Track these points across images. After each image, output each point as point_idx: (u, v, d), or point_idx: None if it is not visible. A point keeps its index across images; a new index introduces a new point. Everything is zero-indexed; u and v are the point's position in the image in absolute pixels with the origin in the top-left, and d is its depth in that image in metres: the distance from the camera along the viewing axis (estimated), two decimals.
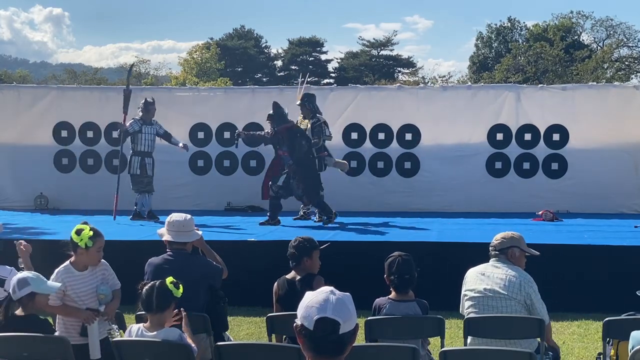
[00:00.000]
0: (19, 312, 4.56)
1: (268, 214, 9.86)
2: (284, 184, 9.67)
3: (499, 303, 4.71)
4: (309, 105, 9.99)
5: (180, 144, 10.53)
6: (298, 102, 10.06)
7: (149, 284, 4.32)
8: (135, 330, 4.28)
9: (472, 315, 4.76)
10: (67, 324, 4.76)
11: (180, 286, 4.31)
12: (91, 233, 4.69)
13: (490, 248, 4.93)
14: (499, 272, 4.79)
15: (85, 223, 4.78)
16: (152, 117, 10.39)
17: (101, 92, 12.92)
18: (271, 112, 9.69)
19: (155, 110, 10.42)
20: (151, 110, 10.36)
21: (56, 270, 4.75)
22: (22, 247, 5.25)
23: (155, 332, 4.20)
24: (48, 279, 4.68)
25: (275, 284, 5.19)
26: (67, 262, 4.77)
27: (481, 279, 4.80)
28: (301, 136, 9.65)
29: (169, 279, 4.32)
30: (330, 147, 10.46)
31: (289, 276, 5.16)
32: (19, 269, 5.16)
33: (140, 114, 10.33)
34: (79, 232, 4.69)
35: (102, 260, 4.90)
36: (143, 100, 10.46)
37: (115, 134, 12.05)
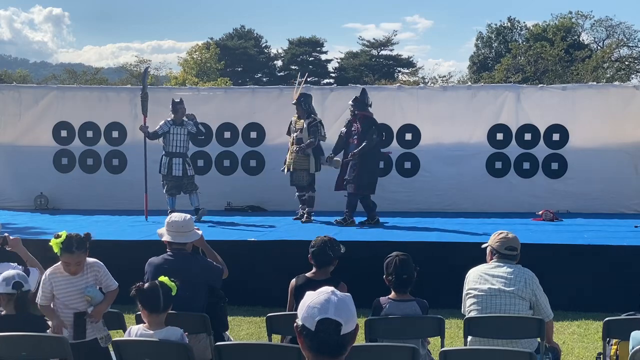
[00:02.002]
0: (9, 310, 4.55)
1: (346, 210, 9.81)
2: (349, 176, 9.64)
3: (504, 301, 4.70)
4: (304, 105, 10.00)
5: (194, 125, 10.44)
6: (294, 101, 10.08)
7: (149, 285, 4.31)
8: (135, 331, 4.28)
9: (474, 314, 4.75)
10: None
11: (175, 285, 4.34)
12: (61, 245, 4.66)
13: (497, 248, 4.87)
14: (502, 271, 4.78)
15: (88, 235, 4.74)
16: (182, 117, 10.34)
17: (101, 92, 12.91)
18: (358, 95, 9.81)
19: (185, 109, 10.37)
20: (179, 109, 10.32)
21: (47, 271, 4.77)
22: (11, 239, 5.23)
23: (156, 331, 4.20)
24: None
25: (294, 280, 5.08)
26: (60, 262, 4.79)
27: (485, 279, 4.79)
28: (376, 129, 9.69)
29: (165, 278, 4.33)
30: (330, 147, 10.45)
31: (309, 275, 5.05)
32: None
33: (172, 115, 10.33)
34: (56, 237, 4.69)
35: (95, 260, 4.87)
36: (171, 101, 10.44)
37: (115, 134, 12.09)
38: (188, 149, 10.47)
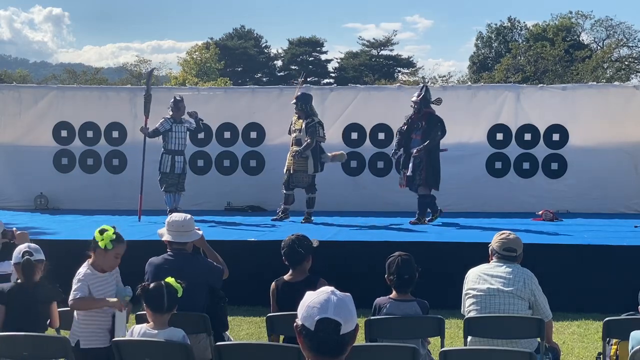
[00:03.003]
0: (21, 279, 4.80)
1: (417, 212, 9.93)
2: (413, 173, 9.70)
3: (503, 301, 4.70)
4: (301, 105, 9.98)
5: (193, 121, 10.50)
6: (293, 101, 10.09)
7: (155, 285, 4.32)
8: (139, 330, 4.29)
9: (474, 314, 4.75)
10: (94, 327, 4.72)
11: (180, 286, 4.35)
12: (114, 236, 4.70)
13: (496, 249, 4.88)
14: (501, 271, 4.79)
15: (113, 227, 4.81)
16: (183, 115, 10.41)
17: (101, 92, 12.91)
18: (423, 93, 9.86)
19: (185, 107, 10.43)
20: (181, 107, 10.38)
21: (80, 271, 4.72)
22: (18, 233, 5.39)
23: (159, 331, 4.21)
24: (52, 278, 4.87)
25: (274, 284, 5.06)
26: (87, 263, 4.76)
27: (484, 279, 4.80)
28: (441, 125, 9.75)
29: (172, 279, 4.34)
30: (330, 147, 10.46)
31: (287, 278, 4.99)
32: None
33: (171, 112, 10.37)
34: (102, 232, 4.71)
35: None
36: (172, 99, 10.49)
37: (115, 134, 12.09)
38: (186, 146, 10.53)
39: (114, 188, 11.95)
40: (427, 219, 9.99)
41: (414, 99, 9.90)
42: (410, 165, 9.72)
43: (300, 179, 10.00)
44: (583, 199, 11.24)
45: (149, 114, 10.36)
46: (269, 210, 11.13)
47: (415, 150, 9.66)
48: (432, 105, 9.88)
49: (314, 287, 4.65)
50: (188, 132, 10.50)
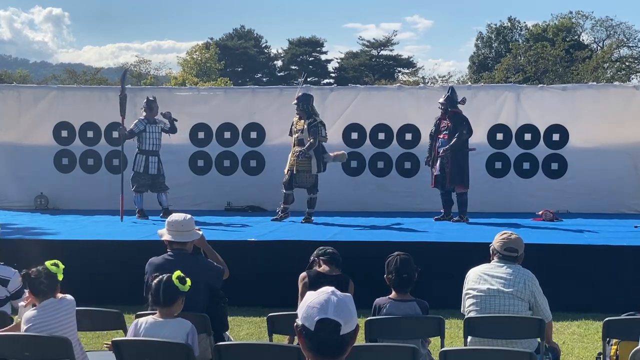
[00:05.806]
0: None
1: (442, 210, 10.18)
2: (441, 172, 9.89)
3: (503, 302, 4.70)
4: (302, 105, 9.98)
5: (167, 121, 10.59)
6: (294, 101, 10.09)
7: (157, 279, 4.35)
8: (143, 322, 4.30)
9: (473, 314, 4.75)
10: None
11: (188, 281, 4.36)
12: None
13: (498, 249, 4.88)
14: (502, 271, 4.78)
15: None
16: (156, 115, 10.49)
17: (101, 92, 12.91)
18: (449, 94, 10.02)
19: (158, 107, 10.52)
20: (154, 108, 10.47)
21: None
22: None
23: (166, 320, 4.26)
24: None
25: (304, 274, 5.22)
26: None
27: (484, 279, 4.79)
28: (466, 124, 9.90)
29: (176, 274, 4.36)
30: (330, 147, 10.46)
31: (321, 269, 5.21)
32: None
33: (144, 113, 10.41)
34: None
35: None
36: (145, 100, 10.51)
37: (115, 134, 12.08)
38: (161, 146, 10.58)
39: (114, 188, 11.90)
40: (437, 217, 10.14)
41: (441, 100, 10.08)
42: (437, 165, 9.89)
43: (303, 179, 9.99)
44: (583, 199, 11.24)
45: (125, 114, 10.39)
46: (269, 210, 11.13)
47: (442, 151, 9.83)
48: (459, 106, 10.03)
49: (345, 287, 4.82)
50: (162, 133, 10.58)
